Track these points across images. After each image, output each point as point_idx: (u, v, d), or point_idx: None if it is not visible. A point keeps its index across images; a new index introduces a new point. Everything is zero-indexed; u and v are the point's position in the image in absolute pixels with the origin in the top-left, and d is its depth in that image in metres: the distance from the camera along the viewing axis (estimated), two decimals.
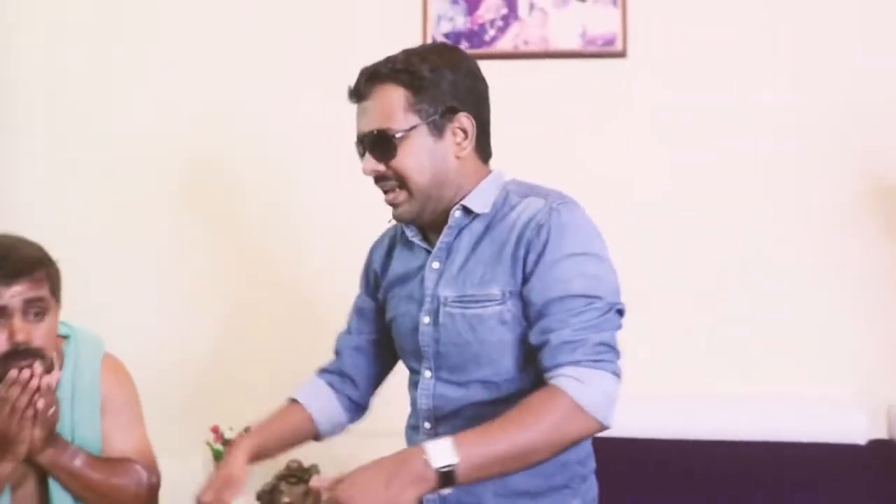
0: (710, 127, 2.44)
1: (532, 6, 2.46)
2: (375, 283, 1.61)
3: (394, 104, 1.37)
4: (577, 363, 1.28)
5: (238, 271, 2.61)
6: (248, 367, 2.57)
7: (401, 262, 1.54)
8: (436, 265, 1.44)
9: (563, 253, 1.34)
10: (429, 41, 2.45)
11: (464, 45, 2.45)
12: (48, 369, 1.54)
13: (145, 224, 2.62)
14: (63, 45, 2.65)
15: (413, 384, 1.51)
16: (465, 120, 1.40)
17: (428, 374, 1.46)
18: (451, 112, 1.39)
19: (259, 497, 2.32)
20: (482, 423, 1.27)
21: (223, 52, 2.60)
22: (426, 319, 1.44)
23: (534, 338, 1.34)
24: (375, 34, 2.47)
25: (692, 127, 2.44)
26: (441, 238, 1.44)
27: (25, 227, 1.67)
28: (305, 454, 2.36)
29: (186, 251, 2.61)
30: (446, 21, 2.47)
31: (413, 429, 1.52)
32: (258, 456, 1.51)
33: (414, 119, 1.37)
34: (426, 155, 1.39)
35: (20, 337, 1.51)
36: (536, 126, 2.45)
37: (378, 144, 1.38)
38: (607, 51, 2.45)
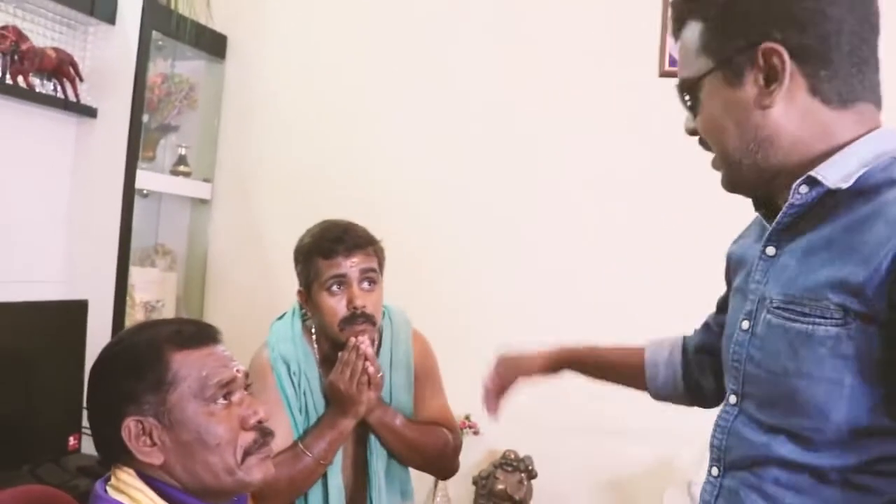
0: None
1: None
2: (727, 274, 1.24)
3: (689, 45, 1.04)
4: None
5: None
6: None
7: (744, 243, 1.17)
8: (770, 251, 1.04)
9: None
10: (666, 59, 2.50)
11: None
12: (372, 340, 1.74)
13: None
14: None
15: None
16: (768, 53, 0.97)
17: (734, 399, 1.06)
18: (752, 45, 0.98)
19: (475, 482, 2.48)
20: (790, 496, 0.96)
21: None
22: (745, 325, 1.05)
23: None
24: (611, 69, 2.59)
25: None
26: (779, 216, 1.02)
27: None
28: (521, 446, 2.52)
29: None
30: None
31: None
32: (566, 362, 1.43)
33: (706, 62, 1.02)
34: (722, 109, 1.02)
35: (358, 302, 1.72)
36: None
37: (683, 98, 1.07)
38: None
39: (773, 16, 0.97)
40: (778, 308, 0.99)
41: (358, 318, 1.71)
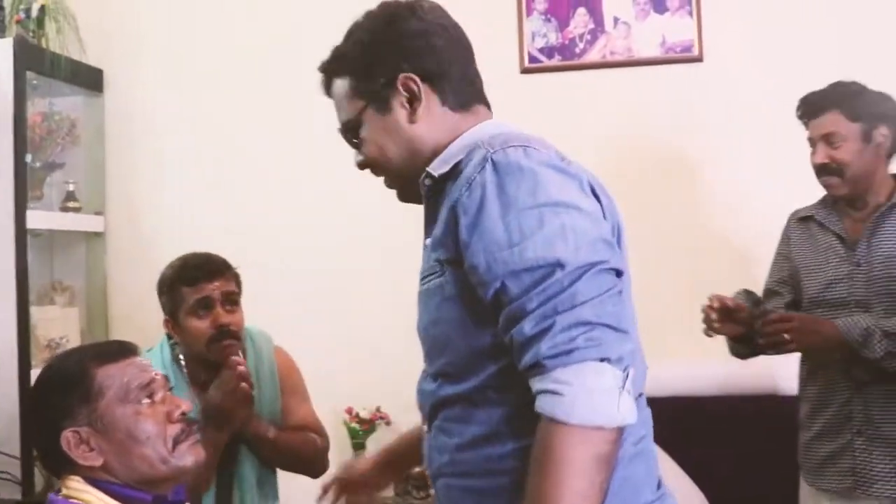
0: (781, 121, 2.63)
1: (616, 20, 2.72)
2: None
3: (340, 96, 1.27)
4: (542, 368, 1.00)
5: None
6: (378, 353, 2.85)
7: None
8: (427, 242, 1.23)
9: (505, 211, 1.06)
10: (525, 57, 2.73)
11: (556, 59, 2.74)
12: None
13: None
14: None
15: None
16: (406, 81, 1.21)
17: (425, 366, 1.26)
18: (390, 80, 1.22)
19: None
20: (457, 427, 1.15)
21: None
22: (419, 307, 1.25)
23: (504, 338, 1.07)
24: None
25: (766, 123, 2.64)
26: (424, 211, 1.25)
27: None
28: None
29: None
30: (540, 37, 2.75)
31: None
32: (392, 459, 1.58)
33: (359, 103, 1.24)
34: (381, 134, 1.24)
35: (224, 320, 1.85)
36: (623, 127, 2.71)
37: (349, 139, 1.29)
38: (685, 56, 2.70)
39: (399, 54, 1.22)
40: (420, 282, 1.21)
41: (224, 335, 1.84)
